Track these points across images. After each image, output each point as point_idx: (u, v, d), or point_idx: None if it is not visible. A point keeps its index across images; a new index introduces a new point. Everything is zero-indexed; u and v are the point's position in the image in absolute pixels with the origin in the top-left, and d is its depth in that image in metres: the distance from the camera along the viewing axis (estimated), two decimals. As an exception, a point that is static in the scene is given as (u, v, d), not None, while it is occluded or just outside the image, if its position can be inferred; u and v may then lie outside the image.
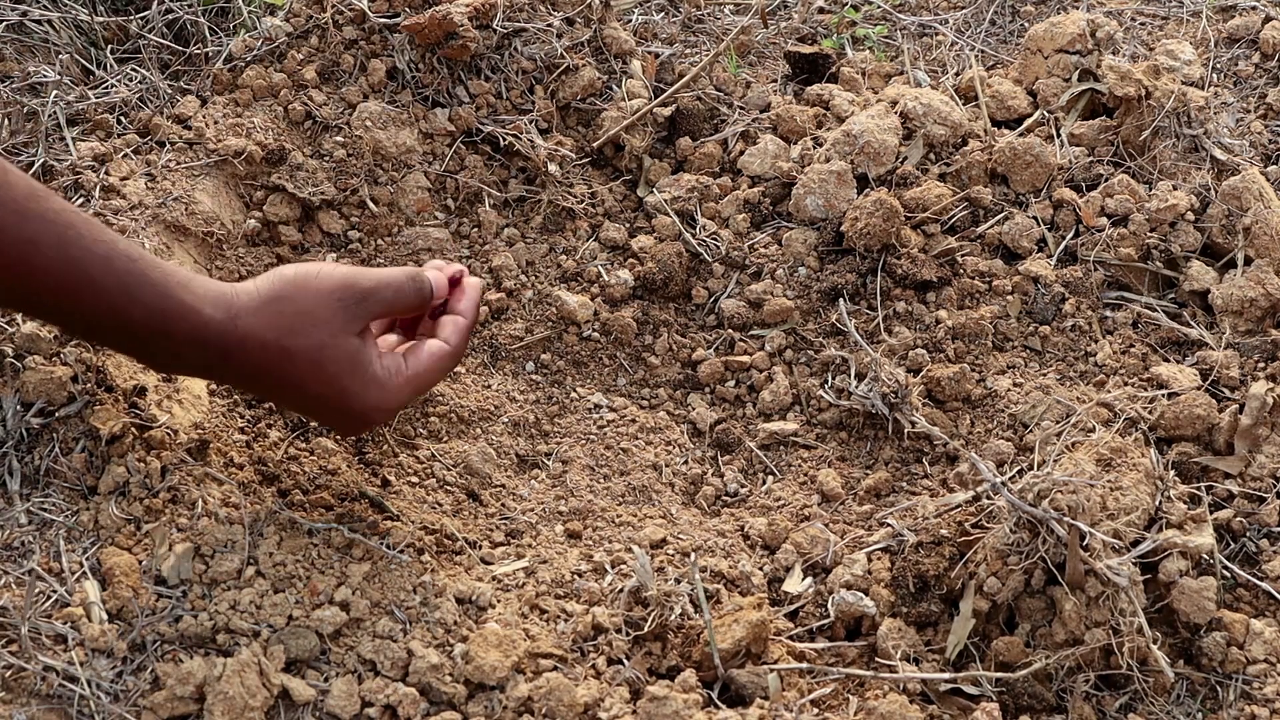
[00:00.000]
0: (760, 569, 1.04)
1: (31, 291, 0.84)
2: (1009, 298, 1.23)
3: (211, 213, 1.17)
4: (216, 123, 1.23)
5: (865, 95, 1.40)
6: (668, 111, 1.36)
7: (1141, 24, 1.58)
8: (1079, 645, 0.93)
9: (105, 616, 0.88)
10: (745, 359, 1.23)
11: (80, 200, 1.12)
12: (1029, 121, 1.36)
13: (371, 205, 1.25)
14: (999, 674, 0.94)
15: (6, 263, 0.81)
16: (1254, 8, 1.56)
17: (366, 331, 0.93)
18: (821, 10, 1.60)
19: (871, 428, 1.17)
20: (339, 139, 1.25)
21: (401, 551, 0.96)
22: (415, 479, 1.09)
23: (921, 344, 1.20)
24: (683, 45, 1.50)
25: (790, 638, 0.99)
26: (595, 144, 1.34)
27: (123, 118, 1.23)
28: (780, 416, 1.20)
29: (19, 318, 0.99)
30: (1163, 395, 1.13)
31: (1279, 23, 1.52)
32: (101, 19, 1.32)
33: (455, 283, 1.03)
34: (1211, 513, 1.04)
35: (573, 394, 1.21)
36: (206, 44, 1.32)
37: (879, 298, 1.23)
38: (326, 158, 1.25)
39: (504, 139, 1.30)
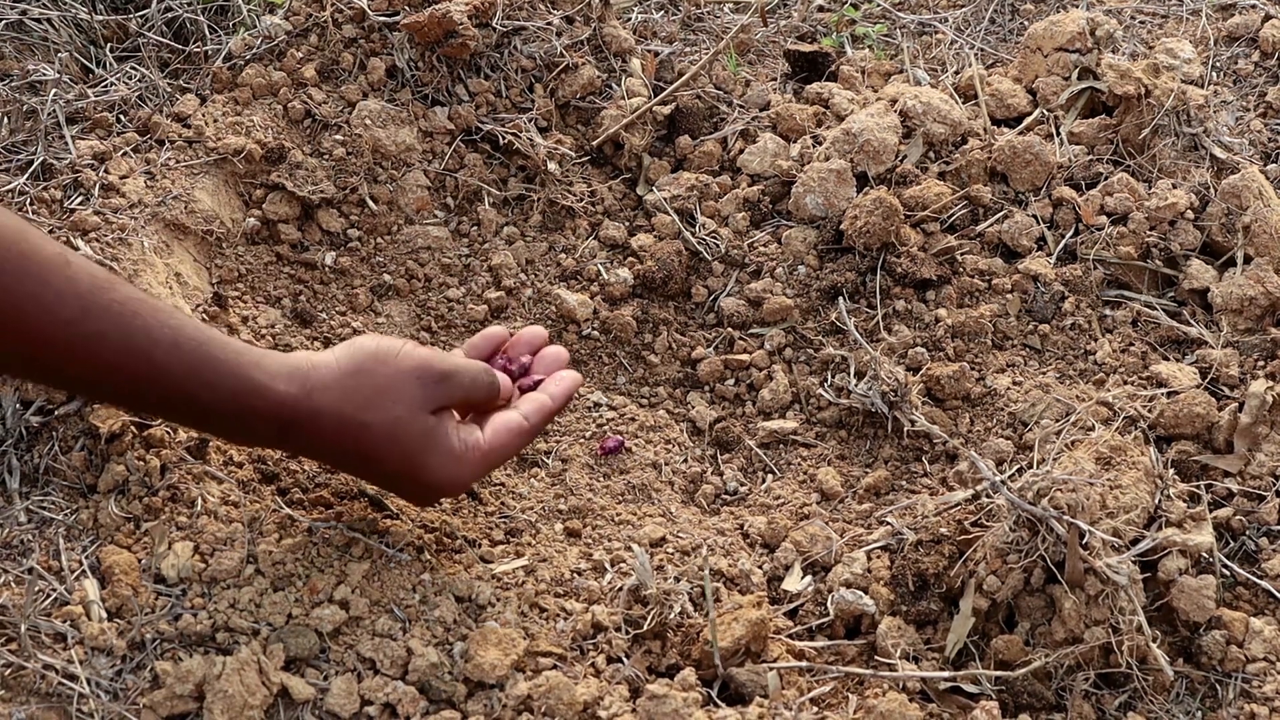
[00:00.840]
0: (760, 567, 1.04)
1: (100, 382, 0.85)
2: (1008, 296, 1.23)
3: (211, 211, 1.17)
4: (216, 121, 1.23)
5: (865, 94, 1.40)
6: (667, 110, 1.36)
7: (1141, 22, 1.58)
8: (1078, 644, 0.93)
9: (105, 615, 0.88)
10: (745, 357, 1.23)
11: (80, 198, 1.12)
12: (1028, 120, 1.36)
13: (371, 204, 1.25)
14: (998, 672, 0.94)
15: (74, 358, 0.82)
16: (1253, 6, 1.56)
17: (443, 411, 0.93)
18: (821, 9, 1.60)
19: (871, 426, 1.17)
20: (338, 137, 1.25)
21: (401, 550, 0.96)
22: (415, 477, 1.08)
23: (921, 342, 1.20)
24: (682, 44, 1.50)
25: (790, 636, 0.99)
26: (595, 142, 1.34)
27: (122, 116, 1.23)
28: (780, 415, 1.20)
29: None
30: (1162, 394, 1.13)
31: (1278, 21, 1.52)
32: (101, 17, 1.32)
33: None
34: (1211, 511, 1.04)
35: (572, 392, 1.20)
36: (206, 42, 1.32)
37: (878, 296, 1.23)
38: (326, 156, 1.25)
39: (503, 137, 1.30)
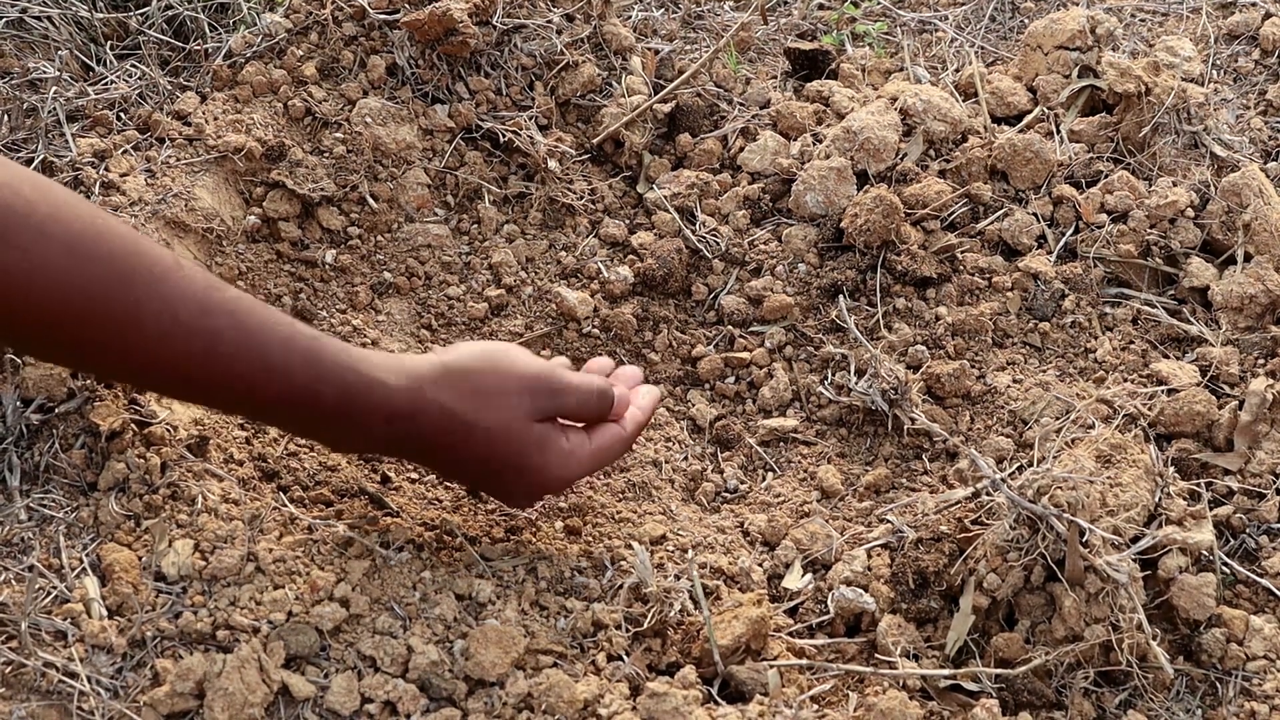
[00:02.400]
0: (760, 565, 1.04)
1: (214, 382, 0.84)
2: (1009, 294, 1.23)
3: (211, 209, 1.17)
4: (216, 119, 1.23)
5: (865, 92, 1.40)
6: (668, 108, 1.36)
7: (1141, 20, 1.58)
8: (1079, 641, 0.93)
9: (105, 613, 0.88)
10: (745, 355, 1.23)
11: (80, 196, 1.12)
12: (1029, 118, 1.36)
13: (371, 201, 1.25)
14: (999, 670, 0.94)
15: (191, 355, 0.81)
16: (1254, 4, 1.56)
17: (549, 421, 0.95)
18: (821, 7, 1.60)
19: (871, 424, 1.17)
20: (339, 135, 1.25)
21: (401, 548, 0.96)
22: (415, 475, 1.08)
23: (921, 340, 1.20)
24: (682, 41, 1.50)
25: (790, 634, 0.99)
26: (595, 140, 1.34)
27: (122, 114, 1.23)
28: (780, 413, 1.20)
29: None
30: (1162, 392, 1.13)
31: (1278, 19, 1.52)
32: (101, 15, 1.32)
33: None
34: (1211, 509, 1.04)
35: (572, 390, 1.20)
36: (206, 40, 1.32)
37: (879, 294, 1.23)
38: (326, 154, 1.25)
39: (504, 135, 1.30)
